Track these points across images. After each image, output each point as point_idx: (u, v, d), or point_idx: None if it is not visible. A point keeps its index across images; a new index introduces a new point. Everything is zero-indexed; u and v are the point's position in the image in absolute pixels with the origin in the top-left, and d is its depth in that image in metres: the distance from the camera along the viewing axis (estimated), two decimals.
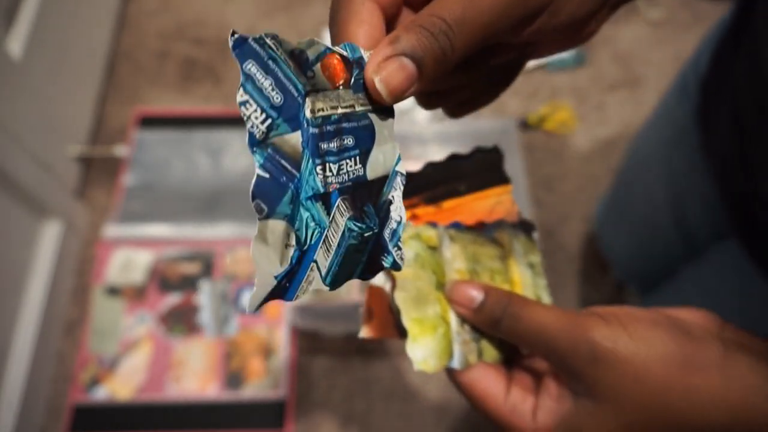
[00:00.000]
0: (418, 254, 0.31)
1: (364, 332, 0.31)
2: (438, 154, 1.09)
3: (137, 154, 1.12)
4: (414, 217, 0.32)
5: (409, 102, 1.11)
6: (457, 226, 0.33)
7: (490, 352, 0.30)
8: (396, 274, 0.30)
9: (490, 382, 0.29)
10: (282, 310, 0.99)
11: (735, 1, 0.48)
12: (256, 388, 0.93)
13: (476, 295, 0.29)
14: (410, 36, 0.22)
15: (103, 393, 0.92)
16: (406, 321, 0.29)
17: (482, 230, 0.33)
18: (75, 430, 0.90)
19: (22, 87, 0.89)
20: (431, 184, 0.32)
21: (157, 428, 0.91)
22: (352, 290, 0.91)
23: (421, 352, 0.29)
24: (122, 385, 0.93)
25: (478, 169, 0.33)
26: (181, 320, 0.98)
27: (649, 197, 0.73)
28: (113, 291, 1.00)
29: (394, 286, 0.30)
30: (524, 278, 0.32)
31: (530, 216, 1.00)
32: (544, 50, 0.30)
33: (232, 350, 0.96)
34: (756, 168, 0.43)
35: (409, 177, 0.31)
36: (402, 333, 0.30)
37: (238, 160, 1.12)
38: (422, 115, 1.16)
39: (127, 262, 1.02)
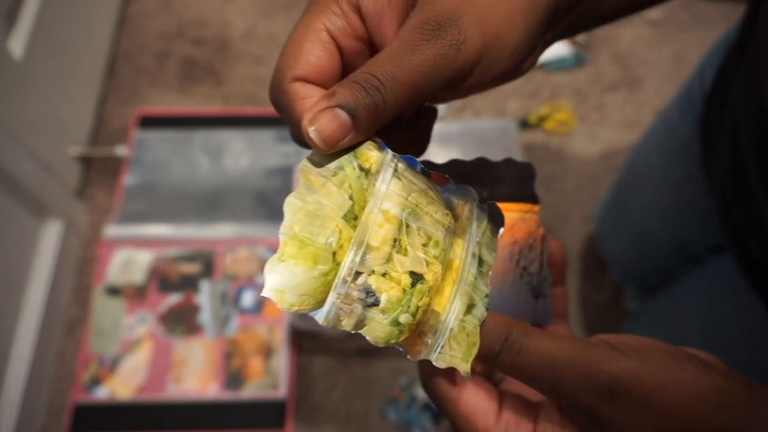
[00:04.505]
0: (342, 169, 0.24)
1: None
2: (438, 155, 1.09)
3: (137, 154, 1.12)
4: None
5: None
6: (412, 162, 0.26)
7: (376, 331, 0.24)
8: (304, 178, 0.24)
9: (480, 403, 0.25)
10: (282, 310, 0.99)
11: (742, 15, 0.48)
12: (256, 388, 0.93)
13: None
14: (345, 90, 0.23)
15: (103, 393, 0.92)
16: (285, 233, 0.23)
17: (441, 186, 0.27)
18: (76, 430, 0.90)
19: (23, 87, 0.89)
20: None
21: (157, 428, 0.91)
22: None
23: (283, 278, 0.23)
24: (123, 385, 0.93)
25: (505, 180, 0.30)
26: (182, 320, 0.98)
27: (647, 204, 0.73)
28: (114, 291, 1.00)
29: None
30: (465, 271, 0.26)
31: None
32: (477, 90, 0.30)
33: (232, 350, 0.96)
34: (752, 188, 0.42)
35: (432, 167, 0.28)
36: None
37: (238, 160, 1.12)
38: None
39: (128, 262, 1.02)
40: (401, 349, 0.25)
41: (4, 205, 0.85)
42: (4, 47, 0.85)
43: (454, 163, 0.29)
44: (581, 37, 1.28)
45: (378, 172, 0.25)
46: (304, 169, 0.24)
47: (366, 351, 0.97)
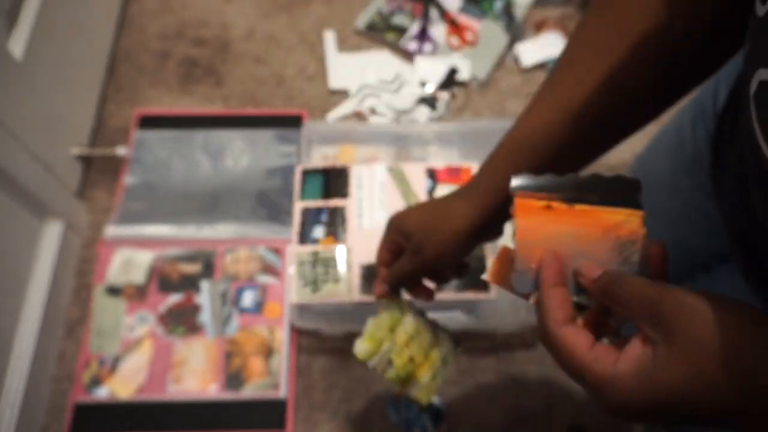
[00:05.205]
0: (390, 308, 0.59)
1: (487, 276, 0.39)
2: (439, 155, 1.10)
3: (138, 154, 1.12)
4: (548, 208, 0.37)
5: (412, 102, 1.13)
6: (423, 311, 0.60)
7: (387, 373, 0.57)
8: (383, 307, 0.59)
9: (579, 337, 0.34)
10: (282, 310, 0.99)
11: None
12: (256, 388, 0.93)
13: (597, 270, 0.37)
14: (385, 278, 0.59)
15: (104, 392, 0.92)
16: (368, 333, 0.57)
17: (432, 324, 0.60)
18: (76, 430, 0.90)
19: (23, 87, 0.89)
20: (568, 189, 0.37)
21: (157, 428, 0.91)
22: (353, 290, 0.91)
23: (362, 349, 0.56)
24: (123, 385, 0.93)
25: (613, 190, 0.37)
26: (182, 320, 0.98)
27: (654, 210, 0.73)
28: (114, 291, 1.00)
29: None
30: (436, 364, 0.58)
31: None
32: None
33: (232, 350, 0.96)
34: (757, 205, 0.42)
35: (552, 177, 0.38)
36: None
37: (238, 161, 1.12)
38: (423, 115, 1.16)
39: (128, 261, 1.02)
40: (396, 385, 0.58)
41: (4, 205, 0.85)
42: (4, 47, 0.85)
43: (571, 175, 0.38)
44: None
45: (405, 313, 0.58)
46: (384, 304, 0.59)
47: None
